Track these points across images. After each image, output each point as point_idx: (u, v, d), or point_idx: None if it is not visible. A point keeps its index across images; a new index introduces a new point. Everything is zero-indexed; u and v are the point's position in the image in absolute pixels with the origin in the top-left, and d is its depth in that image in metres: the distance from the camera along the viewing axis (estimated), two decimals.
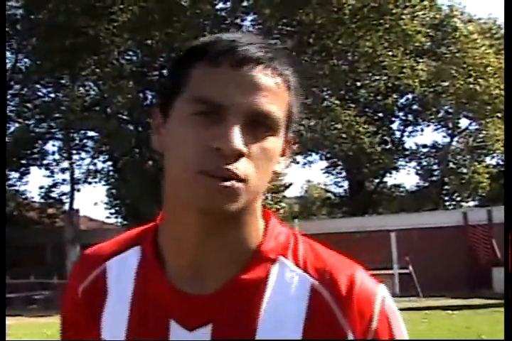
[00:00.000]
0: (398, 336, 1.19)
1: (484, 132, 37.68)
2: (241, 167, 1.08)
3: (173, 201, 1.18)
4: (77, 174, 32.91)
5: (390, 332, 1.17)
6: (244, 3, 28.85)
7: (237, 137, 1.06)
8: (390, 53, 26.98)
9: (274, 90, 1.11)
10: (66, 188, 33.70)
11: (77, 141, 33.04)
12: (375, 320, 1.15)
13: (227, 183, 1.07)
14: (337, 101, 29.27)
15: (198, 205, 1.09)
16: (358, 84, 32.45)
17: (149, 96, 29.10)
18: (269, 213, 1.24)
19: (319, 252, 1.22)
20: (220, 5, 29.54)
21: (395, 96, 37.66)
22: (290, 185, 34.74)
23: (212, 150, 1.07)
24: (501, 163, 38.25)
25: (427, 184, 41.64)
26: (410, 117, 40.79)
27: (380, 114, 39.87)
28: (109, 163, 32.68)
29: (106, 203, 34.06)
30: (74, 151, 33.15)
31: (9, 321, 11.76)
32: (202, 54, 1.13)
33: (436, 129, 41.02)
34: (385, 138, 38.64)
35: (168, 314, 1.17)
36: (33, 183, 56.26)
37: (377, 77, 30.54)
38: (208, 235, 1.15)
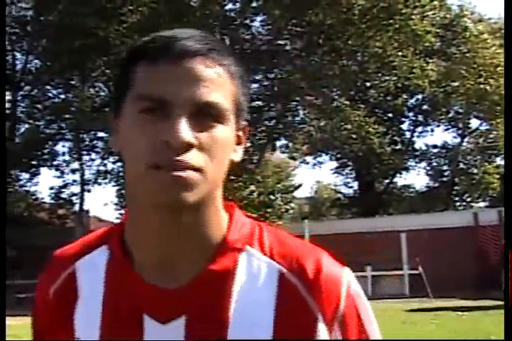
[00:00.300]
0: (365, 317, 1.23)
1: (495, 132, 37.54)
2: (193, 157, 1.09)
3: (132, 198, 1.19)
4: (87, 175, 33.02)
5: (357, 313, 1.22)
6: (254, 4, 28.84)
7: (183, 129, 1.08)
8: (400, 53, 26.92)
9: (215, 80, 1.13)
10: (76, 189, 33.82)
11: (87, 142, 33.14)
12: (343, 303, 1.19)
13: (181, 173, 1.08)
14: (347, 102, 29.21)
15: (153, 200, 1.11)
16: (368, 84, 32.36)
17: None
18: (233, 205, 1.27)
19: (285, 240, 1.25)
20: (230, 6, 29.61)
21: (404, 96, 37.55)
22: (300, 185, 34.71)
23: (161, 145, 1.08)
24: None
25: (437, 184, 41.55)
26: (420, 117, 40.68)
27: (390, 115, 39.80)
28: (119, 163, 32.71)
29: (116, 204, 34.06)
30: (84, 152, 33.24)
31: (19, 321, 11.80)
32: (142, 53, 1.15)
33: (446, 129, 40.94)
34: (395, 138, 38.61)
35: (141, 309, 1.19)
36: (44, 184, 56.66)
37: (387, 78, 30.44)
38: (169, 229, 1.16)
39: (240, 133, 1.24)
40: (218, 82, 1.13)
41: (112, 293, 1.22)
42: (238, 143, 1.23)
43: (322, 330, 1.17)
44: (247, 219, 1.28)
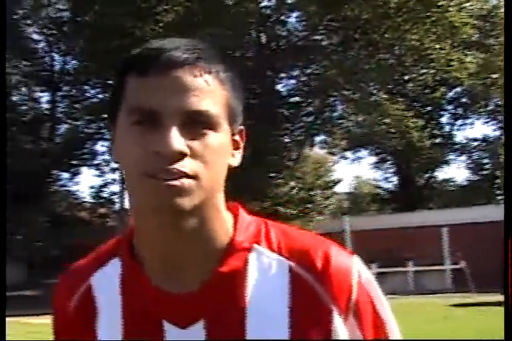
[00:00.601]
0: (379, 305, 1.25)
1: None
2: (186, 165, 1.11)
3: (135, 207, 1.21)
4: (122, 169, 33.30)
5: (371, 301, 1.24)
6: (289, 1, 28.79)
7: (174, 139, 1.10)
8: (438, 46, 26.68)
9: (204, 88, 1.15)
10: (116, 188, 34.10)
11: None
12: (355, 292, 1.21)
13: (175, 182, 1.10)
14: (385, 96, 29.06)
15: (149, 206, 1.13)
16: (406, 78, 32.17)
17: None
18: (237, 205, 1.29)
19: (291, 234, 1.27)
20: (265, 3, 29.57)
21: (443, 89, 37.26)
22: (339, 181, 34.64)
23: (153, 155, 1.11)
24: None
25: (478, 178, 41.22)
26: (460, 110, 40.37)
27: (429, 108, 39.52)
28: None
29: None
30: None
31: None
32: (131, 65, 1.18)
33: (486, 122, 40.58)
34: (435, 132, 38.31)
35: (160, 316, 1.21)
36: (84, 183, 57.25)
37: (425, 71, 30.24)
38: (170, 234, 1.18)
39: (237, 138, 1.25)
40: (207, 90, 1.15)
41: (129, 303, 1.25)
42: (236, 148, 1.25)
43: (337, 321, 1.19)
44: (253, 217, 1.30)
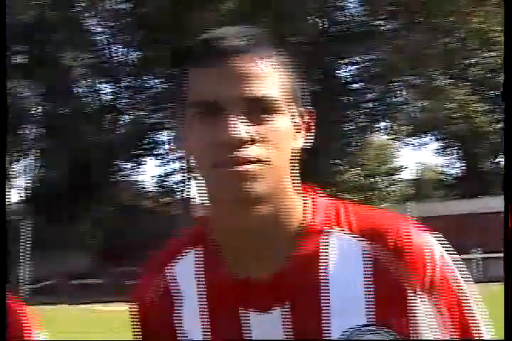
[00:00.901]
0: (456, 282, 1.23)
1: None
2: (251, 151, 1.14)
3: (208, 197, 1.24)
4: (192, 162, 33.52)
5: (448, 279, 1.22)
6: None
7: (237, 127, 1.13)
8: (501, 28, 26.16)
9: (261, 75, 1.17)
10: (180, 177, 34.36)
11: None
12: (432, 270, 1.20)
13: (242, 167, 1.12)
14: (448, 81, 28.67)
15: (220, 195, 1.17)
16: (470, 61, 31.67)
17: None
18: (308, 188, 1.30)
19: (365, 214, 1.27)
20: None
21: None
22: (403, 167, 34.37)
23: (218, 145, 1.14)
24: None
25: None
26: None
27: (494, 92, 38.89)
28: None
29: None
30: None
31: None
32: (189, 57, 1.21)
33: None
34: (500, 116, 37.73)
35: (241, 302, 1.23)
36: (147, 173, 58.14)
37: (489, 54, 29.72)
38: (246, 222, 1.19)
39: (300, 120, 1.25)
40: (264, 75, 1.16)
41: (210, 292, 1.27)
42: (305, 129, 1.26)
43: (416, 300, 1.19)
44: (325, 199, 1.30)
